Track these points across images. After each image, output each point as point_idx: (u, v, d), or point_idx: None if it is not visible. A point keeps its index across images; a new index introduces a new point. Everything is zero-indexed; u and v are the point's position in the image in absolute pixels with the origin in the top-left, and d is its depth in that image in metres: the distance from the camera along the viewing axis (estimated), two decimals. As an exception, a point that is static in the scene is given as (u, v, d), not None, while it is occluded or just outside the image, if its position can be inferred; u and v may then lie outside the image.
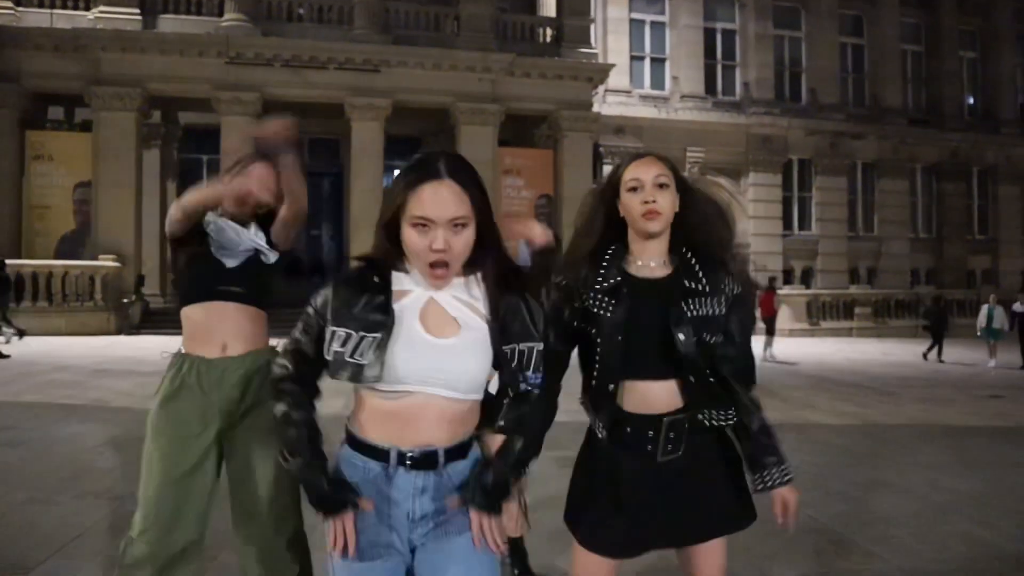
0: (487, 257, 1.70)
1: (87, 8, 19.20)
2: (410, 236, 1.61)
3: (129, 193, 18.85)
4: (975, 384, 12.68)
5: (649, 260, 2.08)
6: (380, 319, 1.61)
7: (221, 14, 19.56)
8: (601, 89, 22.80)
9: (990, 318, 16.72)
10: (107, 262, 17.79)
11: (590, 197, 2.22)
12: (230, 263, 2.49)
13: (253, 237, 2.53)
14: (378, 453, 1.64)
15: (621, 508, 2.02)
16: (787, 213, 26.49)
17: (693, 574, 2.13)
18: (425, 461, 1.63)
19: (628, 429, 2.03)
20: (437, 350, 1.61)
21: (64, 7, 19.24)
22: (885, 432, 7.44)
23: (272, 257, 2.56)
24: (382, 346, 1.59)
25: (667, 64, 25.68)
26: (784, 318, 20.13)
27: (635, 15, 25.34)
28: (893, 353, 18.42)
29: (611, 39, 24.61)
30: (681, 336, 1.98)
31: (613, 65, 22.40)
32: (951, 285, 27.38)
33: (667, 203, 2.04)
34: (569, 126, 21.02)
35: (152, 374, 9.52)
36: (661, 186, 2.04)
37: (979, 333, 16.87)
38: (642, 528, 2.03)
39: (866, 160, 27.59)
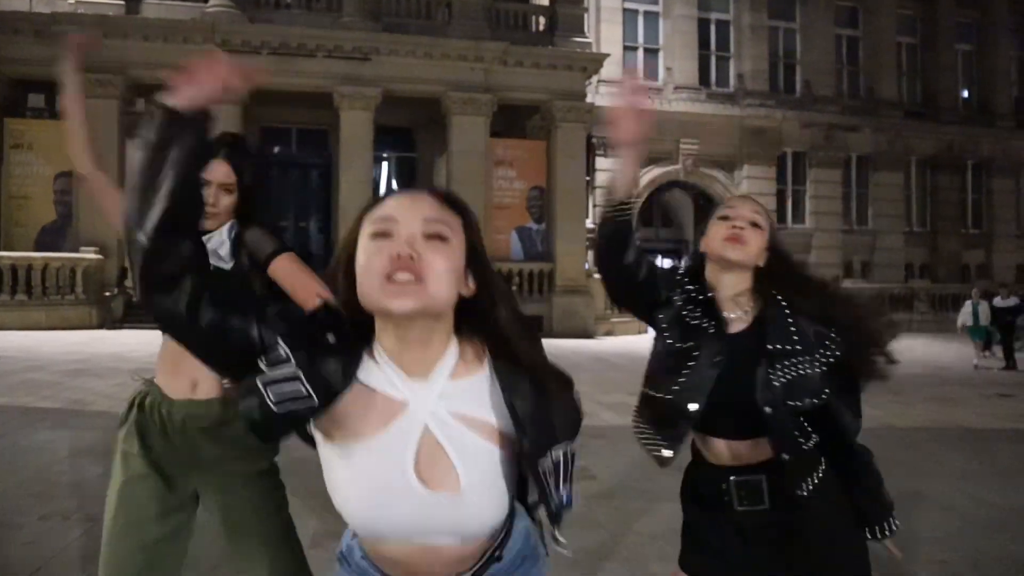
0: (489, 317, 1.27)
1: (68, -8, 18.66)
2: (363, 255, 1.19)
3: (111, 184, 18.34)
4: (979, 382, 12.45)
5: (729, 307, 1.91)
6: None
7: (207, 0, 19.06)
8: (594, 79, 22.44)
9: (975, 315, 15.50)
10: (89, 254, 17.30)
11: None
12: None
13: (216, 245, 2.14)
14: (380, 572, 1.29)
15: (713, 544, 1.94)
16: (781, 206, 26.27)
17: None
18: None
19: (701, 478, 1.96)
20: (435, 505, 1.21)
21: (44, -10, 18.68)
22: (904, 436, 7.11)
23: (227, 262, 2.11)
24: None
25: (660, 55, 25.42)
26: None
27: (628, 5, 25.06)
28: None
29: (604, 29, 24.32)
30: (768, 409, 1.79)
31: (607, 55, 22.00)
32: (945, 279, 27.26)
33: (756, 241, 1.87)
34: (562, 116, 20.61)
35: (138, 371, 9.12)
36: (754, 225, 1.87)
37: (960, 330, 15.76)
38: (734, 567, 1.92)
39: (861, 153, 27.41)
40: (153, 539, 2.04)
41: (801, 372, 1.78)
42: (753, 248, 1.86)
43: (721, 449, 1.89)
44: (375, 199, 1.26)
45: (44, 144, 18.73)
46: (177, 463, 2.07)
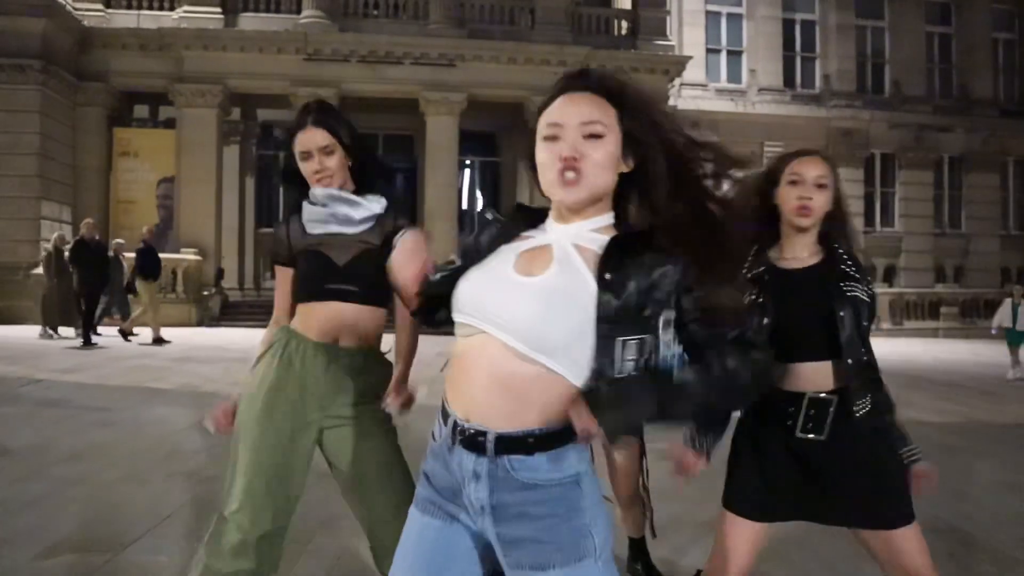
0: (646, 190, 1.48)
1: (172, 8, 19.67)
2: (540, 155, 1.48)
3: (210, 188, 19.24)
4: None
5: (799, 251, 2.19)
6: (473, 253, 1.55)
7: (299, 11, 19.81)
8: (676, 83, 22.40)
9: (1014, 317, 13.19)
10: (189, 255, 18.18)
11: (745, 187, 2.22)
12: (341, 258, 2.28)
13: (368, 205, 2.32)
14: (445, 416, 1.47)
15: (761, 475, 2.14)
16: (869, 209, 25.60)
17: (885, 562, 2.15)
18: (473, 441, 1.41)
19: (771, 404, 2.11)
20: (509, 286, 1.42)
21: (150, 8, 19.74)
22: (994, 431, 7.01)
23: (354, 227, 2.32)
24: (456, 273, 1.54)
25: (744, 57, 25.10)
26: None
27: (711, 7, 24.84)
28: (984, 354, 17.57)
29: (687, 32, 24.18)
30: (842, 314, 2.07)
31: (690, 57, 21.97)
32: (1045, 284, 26.11)
33: (821, 203, 2.14)
34: (645, 120, 20.62)
35: (237, 360, 9.73)
36: (820, 186, 2.14)
37: (993, 331, 13.80)
38: (778, 496, 2.12)
39: (953, 154, 26.49)
40: (284, 450, 2.23)
41: (858, 295, 2.11)
42: (820, 211, 2.15)
43: (802, 372, 2.10)
44: (545, 101, 1.52)
45: (148, 152, 19.78)
46: (308, 400, 2.24)
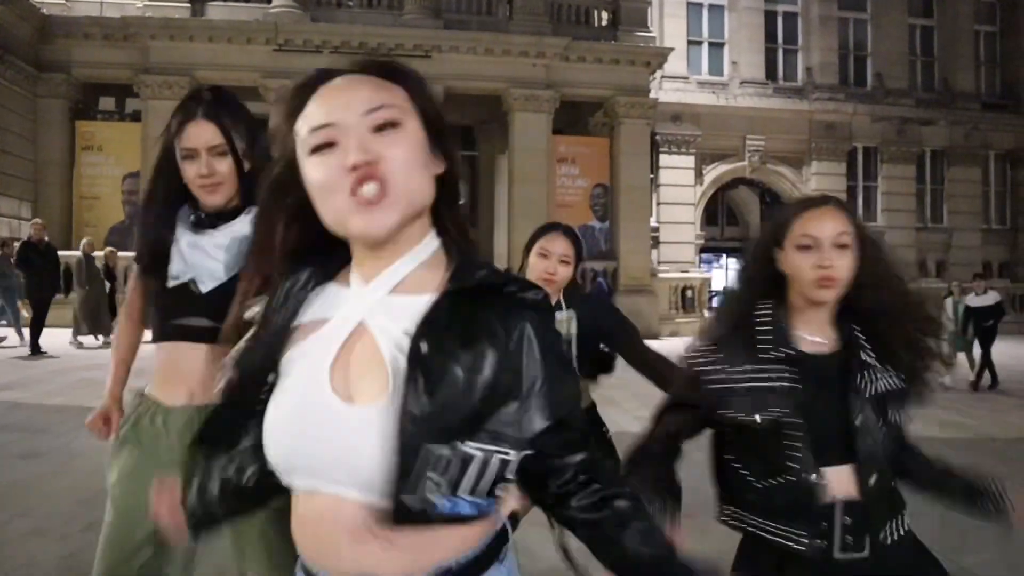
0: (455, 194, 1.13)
1: (136, -4, 18.99)
2: (314, 174, 0.99)
3: (177, 184, 18.60)
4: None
5: (812, 328, 1.71)
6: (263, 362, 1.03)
7: (270, 0, 19.18)
8: (657, 75, 22.04)
9: (956, 317, 11.62)
10: (154, 254, 17.55)
11: (749, 257, 1.85)
12: (203, 287, 1.83)
13: (209, 256, 1.86)
14: None
15: None
16: (851, 203, 25.33)
17: None
18: None
19: (795, 521, 1.66)
20: (334, 421, 0.94)
21: (113, -5, 19.05)
22: (1006, 448, 6.57)
23: (209, 284, 1.85)
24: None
25: (726, 49, 24.83)
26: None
27: (693, -2, 24.54)
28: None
29: (668, 23, 23.85)
30: (858, 421, 1.62)
31: (671, 49, 21.53)
32: (1027, 279, 26.09)
33: (846, 267, 1.64)
34: (626, 112, 20.21)
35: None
36: (841, 247, 1.64)
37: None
38: None
39: (935, 147, 26.36)
40: (139, 541, 1.86)
41: (887, 386, 1.67)
42: (845, 278, 1.65)
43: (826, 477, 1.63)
44: (294, 96, 1.04)
45: (113, 145, 19.10)
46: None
